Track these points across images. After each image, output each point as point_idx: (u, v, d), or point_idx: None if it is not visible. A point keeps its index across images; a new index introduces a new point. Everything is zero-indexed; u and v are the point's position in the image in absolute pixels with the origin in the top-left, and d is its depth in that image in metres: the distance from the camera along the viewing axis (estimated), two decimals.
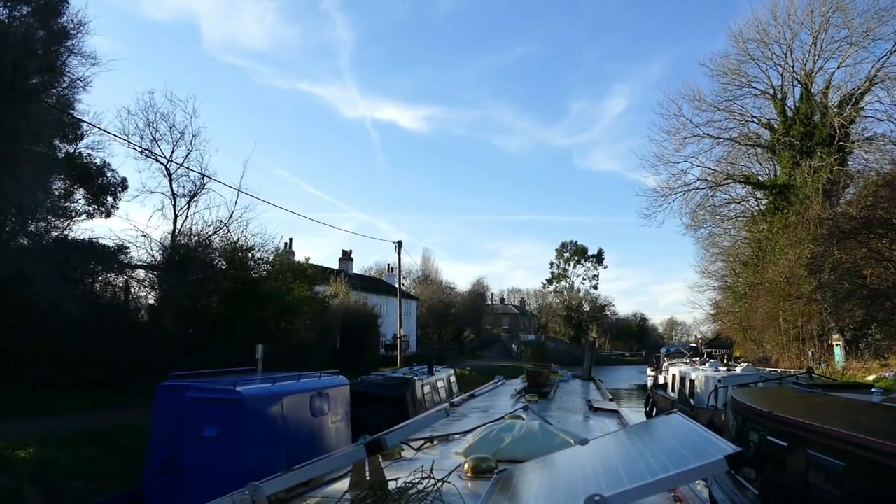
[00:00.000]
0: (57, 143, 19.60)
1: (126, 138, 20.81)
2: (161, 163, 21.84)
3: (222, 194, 59.54)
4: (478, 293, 74.81)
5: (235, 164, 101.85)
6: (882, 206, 24.02)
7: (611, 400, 11.84)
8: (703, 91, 46.85)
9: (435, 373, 17.56)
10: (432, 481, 3.32)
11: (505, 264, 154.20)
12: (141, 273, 21.09)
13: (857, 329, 28.77)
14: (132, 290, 20.95)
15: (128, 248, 20.29)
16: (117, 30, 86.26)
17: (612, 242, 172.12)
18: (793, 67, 40.19)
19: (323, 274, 33.02)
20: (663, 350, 43.11)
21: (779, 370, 21.44)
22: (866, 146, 36.59)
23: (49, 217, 18.89)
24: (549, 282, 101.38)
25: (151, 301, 21.65)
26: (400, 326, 34.89)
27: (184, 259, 20.70)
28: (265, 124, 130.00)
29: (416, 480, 3.37)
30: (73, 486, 9.48)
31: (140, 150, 21.29)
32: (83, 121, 19.71)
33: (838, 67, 38.38)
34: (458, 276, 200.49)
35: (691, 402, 19.68)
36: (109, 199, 20.55)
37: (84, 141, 20.31)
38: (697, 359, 27.07)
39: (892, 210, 23.66)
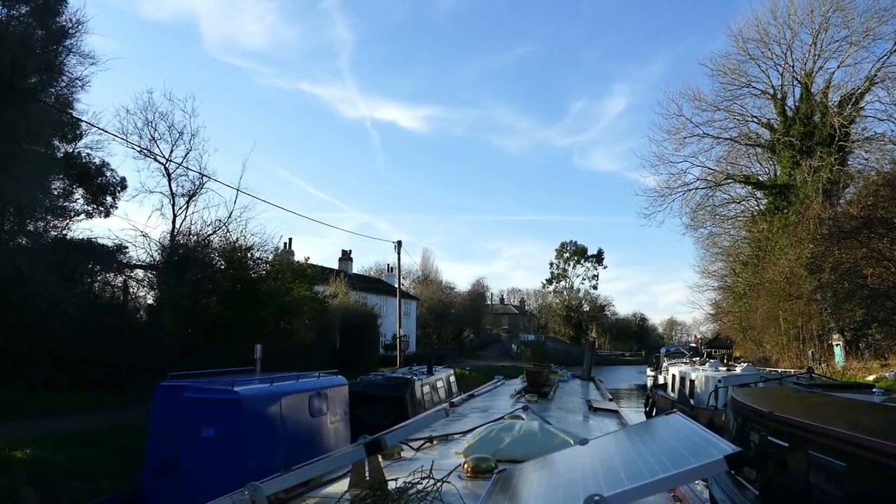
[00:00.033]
0: (56, 142, 19.57)
1: (125, 138, 20.80)
2: (160, 162, 21.85)
3: (221, 194, 59.40)
4: (477, 293, 74.82)
5: (235, 163, 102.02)
6: (882, 206, 24.04)
7: (610, 400, 11.85)
8: (703, 91, 47.03)
9: (434, 373, 17.56)
10: (432, 481, 3.32)
11: (505, 264, 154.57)
12: (140, 273, 21.07)
13: (857, 329, 28.76)
14: (131, 290, 20.91)
15: (127, 247, 20.29)
16: (116, 29, 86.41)
17: (612, 242, 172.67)
18: (793, 67, 40.29)
19: (322, 274, 32.94)
20: (663, 350, 43.11)
21: (779, 370, 21.41)
22: (866, 146, 36.66)
23: (48, 217, 18.87)
24: (549, 282, 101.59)
25: (150, 301, 21.63)
26: (399, 326, 34.85)
27: (183, 259, 20.67)
28: (265, 124, 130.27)
29: (416, 480, 3.37)
30: (71, 487, 9.45)
31: (139, 149, 21.29)
32: (82, 120, 19.72)
33: (838, 67, 38.50)
34: (458, 276, 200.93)
35: (691, 402, 19.67)
36: (108, 198, 20.53)
37: (83, 140, 20.31)
38: (697, 359, 27.07)
39: (892, 210, 23.67)
